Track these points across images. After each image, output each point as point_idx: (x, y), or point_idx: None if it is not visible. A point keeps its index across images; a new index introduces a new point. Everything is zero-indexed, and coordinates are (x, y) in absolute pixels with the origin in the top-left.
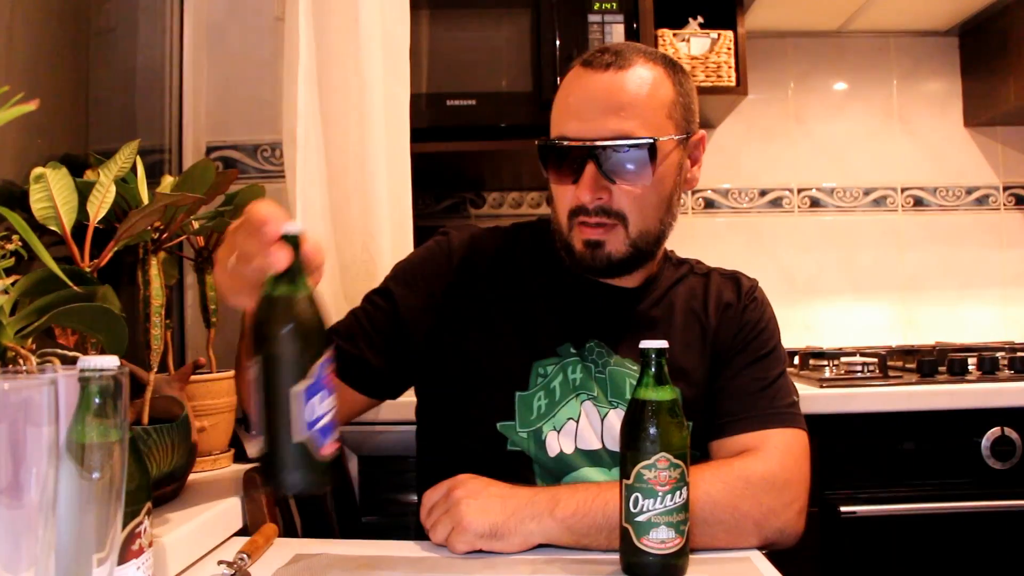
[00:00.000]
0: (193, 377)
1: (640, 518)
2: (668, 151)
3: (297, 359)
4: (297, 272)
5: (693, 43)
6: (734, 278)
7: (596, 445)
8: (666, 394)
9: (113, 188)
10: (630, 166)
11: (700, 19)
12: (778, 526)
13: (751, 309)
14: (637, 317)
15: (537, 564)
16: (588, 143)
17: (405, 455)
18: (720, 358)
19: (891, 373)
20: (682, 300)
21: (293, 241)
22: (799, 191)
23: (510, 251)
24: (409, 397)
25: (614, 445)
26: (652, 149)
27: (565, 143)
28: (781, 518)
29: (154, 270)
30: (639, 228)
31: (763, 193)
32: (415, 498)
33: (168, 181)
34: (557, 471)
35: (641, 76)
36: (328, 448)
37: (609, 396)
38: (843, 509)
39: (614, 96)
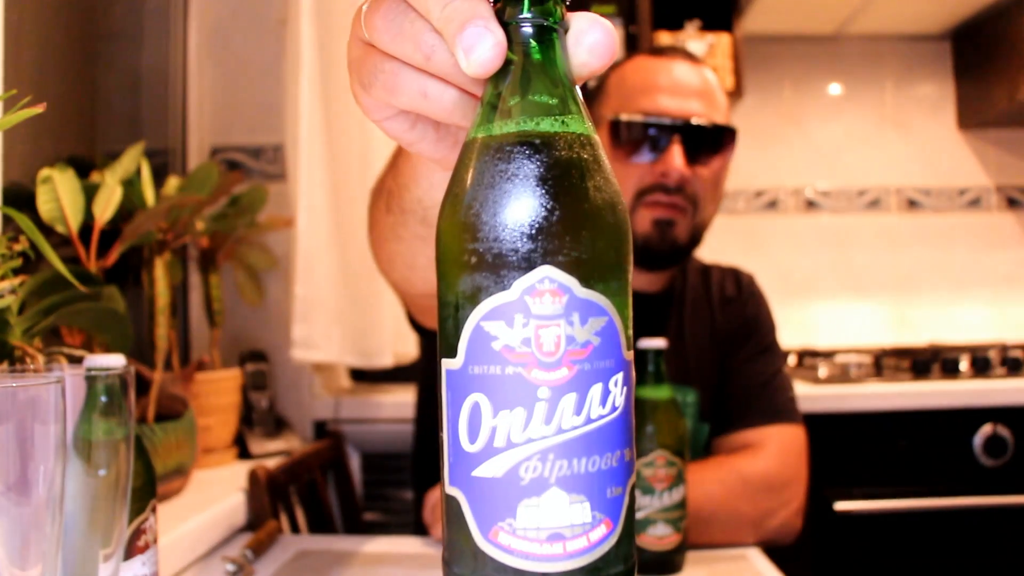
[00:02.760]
0: (197, 375)
1: (638, 515)
2: (732, 146)
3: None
4: (538, 86)
5: (691, 46)
6: (733, 272)
7: None
8: (664, 392)
9: (119, 189)
10: (710, 149)
11: (698, 22)
12: (775, 526)
13: (751, 304)
14: (657, 330)
15: None
16: (679, 121)
17: (407, 452)
18: (723, 353)
19: (885, 372)
20: (690, 302)
21: (535, 14)
22: (794, 193)
23: None
24: (409, 396)
25: None
26: (732, 136)
27: (655, 119)
28: (778, 518)
29: (159, 270)
30: (702, 216)
31: (759, 194)
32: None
33: (173, 183)
34: None
35: (711, 73)
36: (510, 539)
37: None
38: (838, 506)
39: (697, 82)
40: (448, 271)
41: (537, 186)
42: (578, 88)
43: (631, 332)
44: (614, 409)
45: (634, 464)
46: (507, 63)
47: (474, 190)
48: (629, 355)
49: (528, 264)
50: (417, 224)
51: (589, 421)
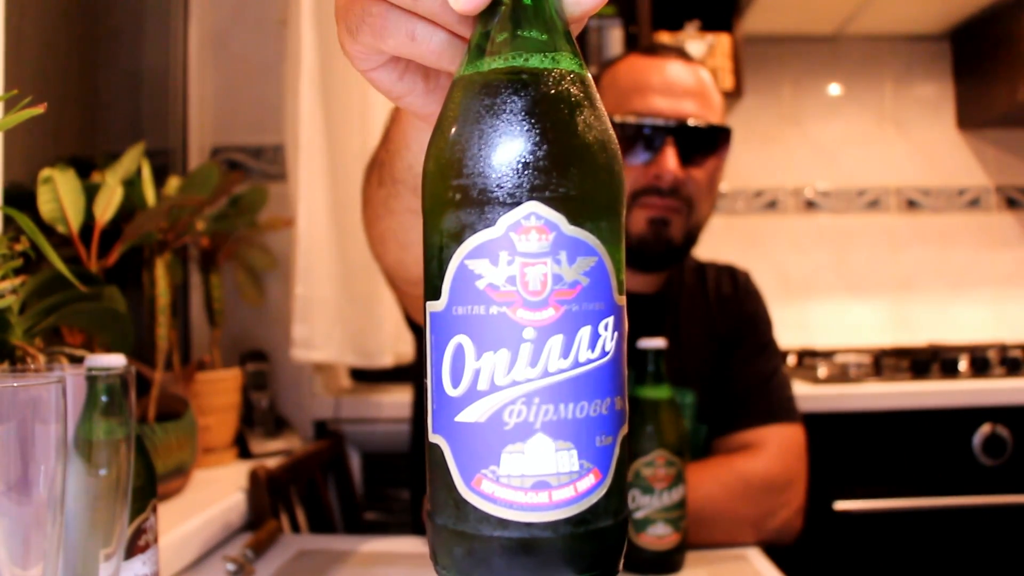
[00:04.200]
0: (198, 375)
1: (637, 515)
2: (726, 146)
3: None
4: (528, 24)
5: (690, 47)
6: (729, 270)
7: None
8: (663, 392)
9: (120, 190)
10: (705, 150)
11: (697, 22)
12: (775, 527)
13: (748, 302)
14: (653, 331)
15: None
16: (672, 122)
17: (407, 452)
18: (720, 352)
19: (884, 372)
20: (686, 303)
21: None
22: (794, 193)
23: None
24: (409, 396)
25: None
26: (727, 136)
27: (648, 120)
28: (779, 518)
29: (160, 270)
30: (696, 217)
31: (758, 194)
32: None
33: (174, 183)
34: None
35: (705, 72)
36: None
37: None
38: (838, 506)
39: (691, 82)
40: (433, 210)
41: (524, 119)
42: (571, 29)
43: (623, 277)
44: (604, 354)
45: (626, 414)
46: (496, 3)
47: (460, 126)
48: (621, 300)
49: (513, 200)
50: (409, 195)
51: (577, 365)
